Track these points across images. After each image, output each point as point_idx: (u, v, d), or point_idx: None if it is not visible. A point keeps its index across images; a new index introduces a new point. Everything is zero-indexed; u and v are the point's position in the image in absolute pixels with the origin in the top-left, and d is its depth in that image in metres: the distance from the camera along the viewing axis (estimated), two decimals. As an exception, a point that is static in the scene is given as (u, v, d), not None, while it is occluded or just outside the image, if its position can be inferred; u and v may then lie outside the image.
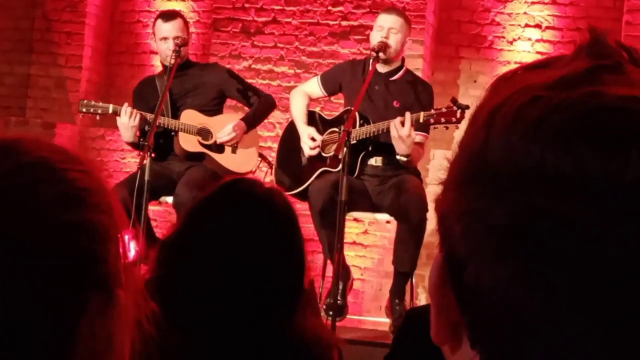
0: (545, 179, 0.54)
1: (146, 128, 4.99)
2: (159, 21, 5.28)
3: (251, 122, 5.27)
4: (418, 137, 4.67)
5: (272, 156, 5.47)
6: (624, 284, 0.52)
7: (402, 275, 4.87)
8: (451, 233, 0.59)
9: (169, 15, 5.37)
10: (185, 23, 5.33)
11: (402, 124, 4.52)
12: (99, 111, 5.21)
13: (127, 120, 4.98)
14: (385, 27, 4.90)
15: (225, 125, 5.19)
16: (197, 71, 5.33)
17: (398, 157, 4.66)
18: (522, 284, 0.54)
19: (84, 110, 5.25)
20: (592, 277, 0.52)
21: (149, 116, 5.01)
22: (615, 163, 0.52)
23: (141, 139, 4.90)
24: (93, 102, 5.30)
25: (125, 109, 5.01)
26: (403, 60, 5.10)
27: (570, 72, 0.58)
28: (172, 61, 5.08)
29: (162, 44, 5.19)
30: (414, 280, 5.00)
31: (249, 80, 5.64)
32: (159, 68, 5.60)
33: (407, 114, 4.56)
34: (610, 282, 0.52)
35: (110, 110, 5.16)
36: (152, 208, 5.38)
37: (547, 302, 0.53)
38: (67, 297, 0.79)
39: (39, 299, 0.77)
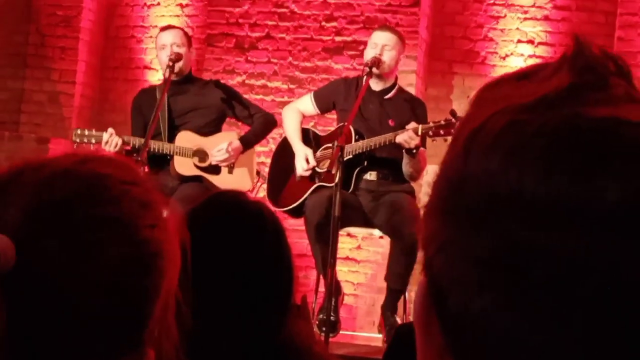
0: (523, 207, 0.53)
1: (134, 155, 4.94)
2: (159, 33, 5.36)
3: (249, 142, 5.25)
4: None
5: (266, 171, 5.46)
6: (608, 310, 0.51)
7: (395, 292, 4.87)
8: (433, 263, 0.58)
9: (167, 27, 5.49)
10: (186, 36, 5.34)
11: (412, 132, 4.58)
12: (93, 140, 5.16)
13: (106, 148, 5.01)
14: (380, 44, 4.92)
15: (219, 145, 5.19)
16: (198, 89, 5.29)
17: (407, 156, 4.68)
18: (506, 314, 0.53)
19: (77, 140, 5.19)
20: (576, 305, 0.52)
21: (137, 141, 5.02)
22: (592, 189, 0.52)
23: (134, 154, 4.90)
24: (87, 132, 5.23)
25: (105, 137, 5.02)
26: (396, 78, 5.11)
27: (551, 91, 0.56)
28: (175, 76, 5.10)
29: (161, 52, 5.21)
30: (406, 295, 5.00)
31: (254, 104, 5.61)
32: (153, 83, 5.61)
33: (412, 124, 4.60)
34: (594, 309, 0.52)
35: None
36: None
37: (532, 331, 0.53)
38: (102, 356, 0.78)
39: (74, 354, 0.77)
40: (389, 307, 4.87)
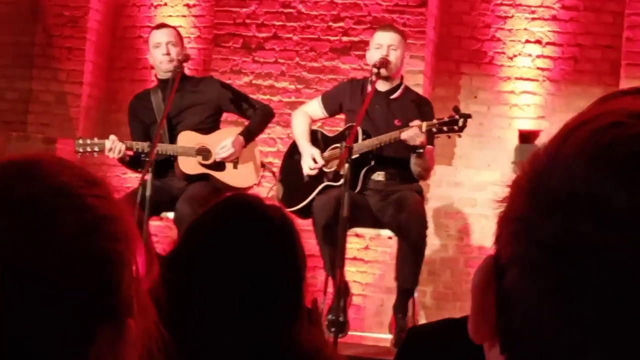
0: (597, 209, 0.53)
1: (142, 156, 4.94)
2: (152, 32, 5.36)
3: (250, 135, 5.25)
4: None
5: (275, 171, 5.46)
6: None
7: (405, 291, 4.87)
8: (502, 235, 0.60)
9: (160, 25, 5.51)
10: (179, 34, 5.34)
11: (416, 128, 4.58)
12: (96, 149, 5.14)
13: (109, 155, 5.01)
14: (384, 44, 4.91)
15: (222, 141, 5.18)
16: (192, 87, 5.28)
17: (413, 155, 4.67)
18: (551, 301, 0.55)
19: (80, 150, 5.16)
20: (620, 310, 0.52)
21: (140, 145, 5.02)
22: None
23: (142, 155, 4.89)
24: (89, 141, 5.19)
25: (107, 144, 5.01)
26: (402, 77, 5.11)
27: None
28: (168, 75, 5.10)
29: (155, 51, 5.19)
30: (415, 296, 4.99)
31: (250, 96, 5.63)
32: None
33: (415, 121, 4.60)
34: (637, 319, 0.52)
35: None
36: (153, 223, 5.37)
37: (570, 324, 0.54)
38: (76, 326, 0.78)
39: (48, 327, 0.77)
40: (400, 308, 4.87)
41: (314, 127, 5.32)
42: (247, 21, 6.86)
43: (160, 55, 5.16)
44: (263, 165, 5.41)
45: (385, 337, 5.30)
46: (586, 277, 0.53)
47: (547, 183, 0.57)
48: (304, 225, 4.78)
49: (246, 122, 5.35)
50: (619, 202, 0.53)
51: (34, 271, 0.77)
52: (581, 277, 0.53)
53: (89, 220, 0.81)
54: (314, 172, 5.03)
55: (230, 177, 5.21)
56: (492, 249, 0.62)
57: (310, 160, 5.03)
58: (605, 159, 0.54)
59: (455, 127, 4.58)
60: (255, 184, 5.34)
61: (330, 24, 6.71)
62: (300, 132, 5.18)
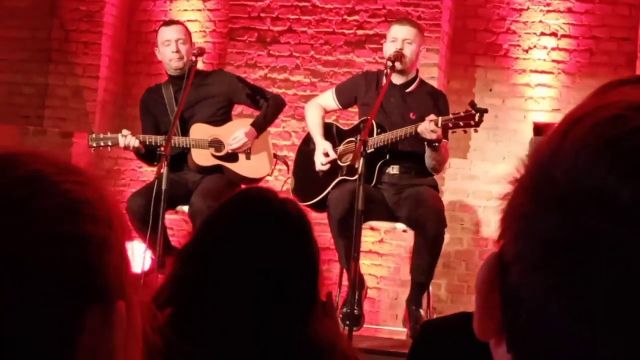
0: (602, 203, 0.53)
1: (158, 149, 4.95)
2: (161, 28, 5.36)
3: (262, 126, 5.25)
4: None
5: (289, 163, 5.47)
6: None
7: (419, 285, 4.86)
8: (506, 232, 0.59)
9: (170, 22, 5.50)
10: (188, 30, 5.35)
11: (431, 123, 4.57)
12: (109, 143, 5.17)
13: (124, 147, 5.03)
14: (400, 38, 4.90)
15: (235, 133, 5.20)
16: (202, 80, 5.29)
17: (429, 149, 4.68)
18: (558, 298, 0.54)
19: (94, 144, 5.20)
20: (630, 304, 0.52)
21: (153, 138, 5.04)
22: None
23: (158, 149, 4.91)
24: (102, 135, 5.23)
25: (121, 141, 5.03)
26: (417, 71, 5.10)
27: None
28: (178, 71, 5.13)
29: (165, 48, 5.21)
30: (430, 289, 5.00)
31: (261, 87, 5.62)
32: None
33: (431, 116, 4.60)
34: None
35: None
36: (169, 217, 5.40)
37: (579, 320, 0.53)
38: (63, 310, 0.78)
39: (34, 313, 0.77)
40: (414, 301, 4.86)
41: (329, 121, 5.32)
42: (262, 15, 6.87)
43: (170, 53, 5.18)
44: (276, 156, 5.42)
45: (400, 330, 5.31)
46: (593, 272, 0.53)
47: (549, 179, 0.56)
48: (319, 218, 4.80)
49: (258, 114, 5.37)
50: (622, 196, 0.52)
51: (10, 256, 0.76)
52: (588, 273, 0.53)
53: (65, 203, 0.80)
54: (325, 167, 5.03)
55: (244, 168, 5.22)
56: (496, 245, 0.61)
57: (322, 155, 5.04)
58: (607, 154, 0.54)
59: (472, 122, 4.55)
60: (268, 174, 5.35)
61: (345, 17, 6.71)
62: (313, 125, 5.18)
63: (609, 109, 0.56)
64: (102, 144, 5.20)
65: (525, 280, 0.56)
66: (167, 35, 5.22)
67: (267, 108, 5.25)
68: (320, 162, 5.03)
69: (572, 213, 0.54)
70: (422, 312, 4.85)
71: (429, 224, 4.67)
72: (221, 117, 5.30)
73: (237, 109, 5.67)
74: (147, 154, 5.11)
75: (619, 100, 0.57)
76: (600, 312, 0.52)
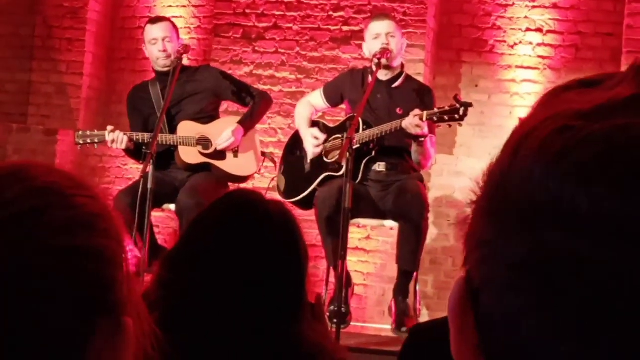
0: (561, 216, 0.52)
1: (144, 148, 4.93)
2: (147, 26, 5.34)
3: (249, 123, 5.24)
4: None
5: (276, 160, 5.46)
6: (636, 323, 0.51)
7: (406, 273, 4.87)
8: (470, 258, 0.58)
9: (156, 19, 5.47)
10: (175, 27, 5.33)
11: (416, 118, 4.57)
12: (96, 140, 5.16)
13: (113, 146, 5.01)
14: (383, 33, 4.91)
15: (223, 130, 5.16)
16: (189, 77, 5.27)
17: (414, 143, 4.68)
18: (532, 318, 0.54)
19: (80, 142, 5.19)
20: (604, 316, 0.51)
21: (141, 135, 5.01)
22: (631, 204, 0.51)
23: (143, 147, 4.88)
24: (89, 132, 5.23)
25: (109, 136, 5.00)
26: (403, 66, 5.10)
27: (609, 100, 0.55)
28: (166, 68, 5.10)
29: (152, 46, 5.19)
30: (417, 284, 5.00)
31: (248, 84, 5.60)
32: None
33: (416, 110, 4.59)
34: (627, 326, 0.51)
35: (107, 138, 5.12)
36: (154, 214, 5.38)
37: (556, 337, 0.53)
38: (75, 323, 0.79)
39: (47, 324, 0.77)
40: (401, 290, 4.87)
41: (315, 118, 5.32)
42: (247, 11, 6.85)
43: (157, 52, 5.16)
44: (264, 154, 5.42)
45: (387, 327, 5.31)
46: (562, 288, 0.52)
47: (505, 199, 0.55)
48: (305, 216, 4.79)
49: (245, 111, 5.35)
50: (581, 207, 0.51)
51: (26, 268, 0.77)
52: (557, 289, 0.52)
53: (81, 216, 0.81)
54: (319, 150, 5.03)
55: (231, 165, 5.21)
56: (462, 270, 0.60)
57: (312, 138, 5.04)
58: (560, 166, 0.53)
59: (456, 116, 4.57)
60: (256, 172, 5.34)
61: (331, 13, 6.70)
62: (300, 120, 5.20)
63: (555, 121, 0.55)
64: (88, 141, 5.18)
65: (497, 304, 0.56)
66: (154, 33, 5.19)
67: (254, 106, 5.24)
68: (312, 145, 5.03)
69: (533, 230, 0.53)
70: (409, 303, 4.85)
71: (412, 211, 4.70)
72: (208, 114, 5.28)
73: (223, 105, 5.65)
74: (137, 151, 5.09)
75: (566, 109, 0.56)
76: (574, 327, 0.52)
